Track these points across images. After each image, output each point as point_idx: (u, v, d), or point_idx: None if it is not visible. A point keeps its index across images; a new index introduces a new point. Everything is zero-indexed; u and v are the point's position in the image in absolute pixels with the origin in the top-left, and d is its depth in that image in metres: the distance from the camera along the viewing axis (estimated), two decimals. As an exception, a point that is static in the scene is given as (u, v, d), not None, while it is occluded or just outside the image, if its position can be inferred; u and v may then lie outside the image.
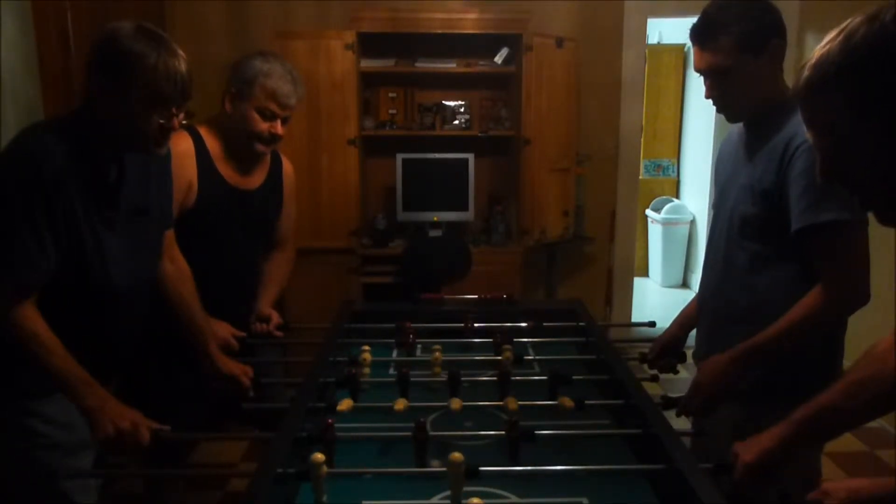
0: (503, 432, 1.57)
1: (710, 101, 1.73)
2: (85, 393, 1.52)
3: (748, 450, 1.33)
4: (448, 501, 1.31)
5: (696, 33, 1.67)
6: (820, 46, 1.01)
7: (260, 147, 2.10)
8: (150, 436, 1.53)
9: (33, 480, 1.57)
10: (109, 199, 1.61)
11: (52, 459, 1.57)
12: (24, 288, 1.49)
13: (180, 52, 1.54)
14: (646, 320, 2.40)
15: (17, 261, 1.47)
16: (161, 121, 1.53)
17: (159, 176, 1.78)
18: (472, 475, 1.28)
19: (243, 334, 2.14)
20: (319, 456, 1.29)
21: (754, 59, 1.62)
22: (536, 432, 1.44)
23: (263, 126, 2.06)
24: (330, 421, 1.43)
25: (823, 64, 0.99)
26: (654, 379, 2.01)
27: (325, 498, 1.30)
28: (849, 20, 0.99)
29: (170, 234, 1.89)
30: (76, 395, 1.52)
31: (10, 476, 1.57)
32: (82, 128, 1.55)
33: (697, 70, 1.70)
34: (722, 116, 1.78)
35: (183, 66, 1.53)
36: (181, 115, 1.57)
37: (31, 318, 1.50)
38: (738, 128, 1.80)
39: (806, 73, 1.02)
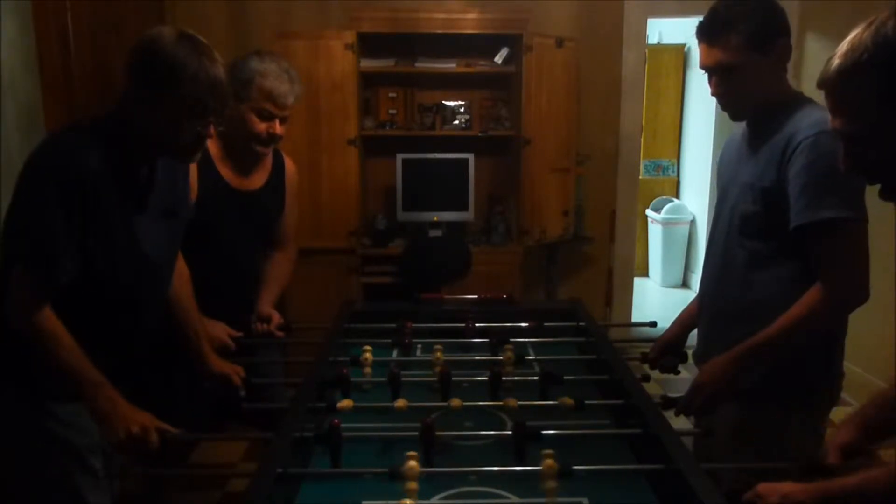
0: (503, 432, 1.58)
1: (714, 99, 1.72)
2: (96, 395, 1.52)
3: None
4: (448, 502, 1.31)
5: (705, 30, 1.66)
6: (849, 39, 1.05)
7: (259, 148, 2.10)
8: (159, 439, 1.53)
9: (48, 480, 1.57)
10: (139, 201, 1.61)
11: (66, 460, 1.58)
12: (49, 288, 1.48)
13: (219, 58, 1.53)
14: (645, 320, 2.40)
15: (44, 262, 1.47)
16: (198, 128, 1.53)
17: (184, 177, 1.78)
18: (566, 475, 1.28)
19: (240, 334, 2.13)
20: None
21: (763, 58, 1.62)
22: (543, 432, 1.44)
23: (262, 127, 2.06)
24: (336, 422, 1.43)
25: (855, 51, 1.03)
26: (645, 379, 2.01)
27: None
28: (875, 16, 1.03)
29: None
30: (87, 397, 1.52)
31: (26, 476, 1.58)
32: (115, 130, 1.54)
33: (704, 67, 1.69)
34: (722, 116, 1.78)
35: (223, 74, 1.52)
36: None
37: (50, 316, 1.49)
38: (741, 127, 1.80)
39: (836, 60, 1.05)
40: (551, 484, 1.27)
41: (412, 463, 1.28)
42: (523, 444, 1.40)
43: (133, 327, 1.68)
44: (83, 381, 1.51)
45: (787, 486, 1.18)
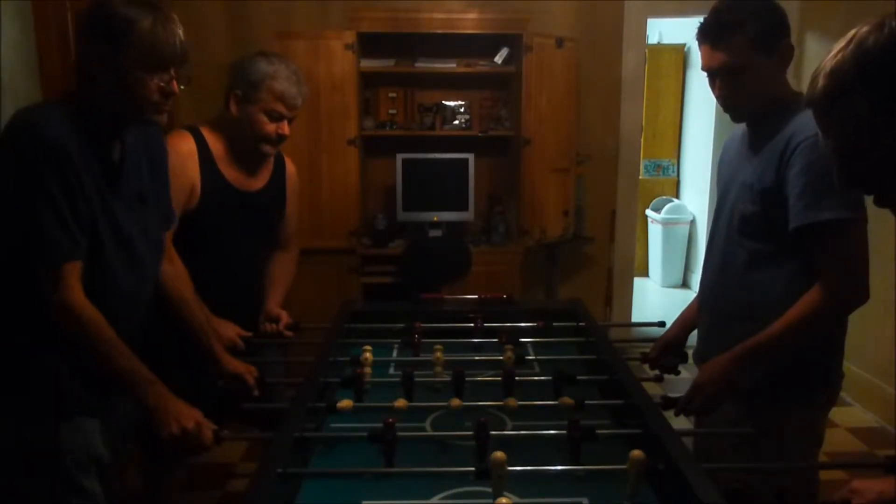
0: (503, 432, 1.58)
1: (714, 99, 1.72)
2: (149, 392, 1.51)
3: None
4: (448, 502, 1.31)
5: (708, 31, 1.65)
6: (830, 57, 1.05)
7: (267, 148, 2.11)
8: (212, 436, 1.53)
9: (48, 497, 1.55)
10: (113, 182, 1.56)
11: (67, 476, 1.55)
12: (65, 268, 1.44)
13: (174, 15, 1.51)
14: (645, 320, 2.40)
15: (47, 244, 1.42)
16: (161, 84, 1.50)
17: (156, 168, 1.73)
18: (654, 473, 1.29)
19: (249, 334, 2.14)
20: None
21: (766, 59, 1.62)
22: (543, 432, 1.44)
23: (271, 128, 2.06)
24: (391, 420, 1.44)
25: (839, 72, 1.02)
26: (659, 379, 2.01)
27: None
28: (854, 30, 1.03)
29: (168, 234, 1.86)
30: (140, 394, 1.51)
31: (26, 493, 1.55)
32: (80, 105, 1.50)
33: (707, 69, 1.68)
34: (722, 116, 1.78)
35: (179, 29, 1.50)
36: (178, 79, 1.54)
37: (91, 309, 1.47)
38: (741, 128, 1.80)
39: (821, 82, 1.05)
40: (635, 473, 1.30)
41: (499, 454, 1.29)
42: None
43: (125, 317, 1.62)
44: (133, 377, 1.50)
45: (881, 484, 1.16)
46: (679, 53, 6.39)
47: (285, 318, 2.24)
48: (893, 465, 1.34)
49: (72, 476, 1.55)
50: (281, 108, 2.05)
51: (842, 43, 1.03)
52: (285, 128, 2.09)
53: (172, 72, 1.51)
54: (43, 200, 1.41)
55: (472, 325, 2.20)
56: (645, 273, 6.54)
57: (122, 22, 1.44)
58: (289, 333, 2.22)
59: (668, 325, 2.12)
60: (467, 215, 4.15)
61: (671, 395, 1.72)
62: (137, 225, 1.63)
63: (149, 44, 1.45)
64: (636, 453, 1.30)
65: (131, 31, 1.44)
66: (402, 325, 2.17)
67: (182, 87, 1.56)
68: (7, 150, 1.44)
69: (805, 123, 1.56)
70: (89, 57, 1.48)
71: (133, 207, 1.62)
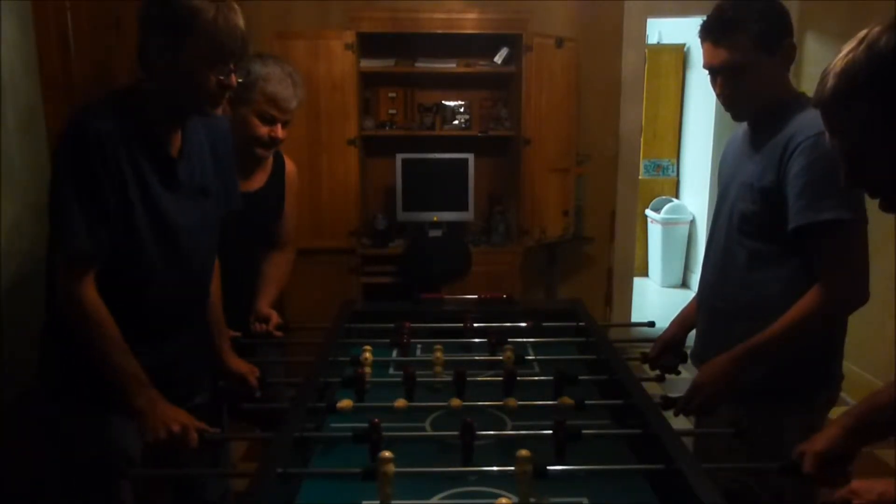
0: (503, 432, 1.58)
1: (714, 99, 1.72)
2: (138, 392, 1.50)
3: (814, 443, 1.32)
4: (448, 502, 1.31)
5: (711, 29, 1.65)
6: (841, 57, 1.04)
7: (260, 151, 2.10)
8: (198, 438, 1.52)
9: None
10: (169, 175, 1.56)
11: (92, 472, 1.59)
12: (77, 262, 1.46)
13: (235, 5, 1.50)
14: (645, 320, 2.40)
15: (67, 235, 1.45)
16: (221, 77, 1.49)
17: (220, 158, 1.73)
18: (541, 475, 1.28)
19: (236, 334, 2.13)
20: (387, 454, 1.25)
21: (770, 58, 1.62)
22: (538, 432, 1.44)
23: (264, 130, 2.06)
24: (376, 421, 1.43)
25: (850, 72, 1.02)
26: (661, 379, 2.01)
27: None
28: (865, 31, 1.02)
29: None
30: (128, 394, 1.50)
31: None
32: (136, 99, 1.51)
33: (708, 67, 1.68)
34: (722, 116, 1.79)
35: (241, 21, 1.50)
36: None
37: (97, 303, 1.47)
38: (742, 127, 1.80)
39: (831, 82, 1.04)
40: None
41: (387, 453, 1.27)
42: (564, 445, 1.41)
43: (152, 306, 1.61)
44: (126, 376, 1.49)
45: (882, 484, 1.17)
46: (679, 53, 6.39)
47: (275, 318, 2.23)
48: (784, 469, 1.36)
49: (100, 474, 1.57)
50: (273, 111, 2.04)
51: (853, 43, 1.02)
52: (278, 131, 2.08)
53: (231, 65, 1.50)
54: (71, 193, 1.44)
55: (462, 325, 2.19)
56: (645, 273, 6.54)
57: (185, 12, 1.43)
58: (278, 334, 2.22)
59: (659, 325, 2.12)
60: (467, 215, 4.15)
61: (671, 395, 1.72)
62: (194, 217, 1.64)
63: (210, 36, 1.45)
64: (523, 453, 1.26)
65: (194, 23, 1.43)
66: (392, 324, 2.16)
67: (240, 80, 1.55)
68: (59, 145, 1.50)
69: (806, 123, 1.57)
70: (150, 49, 1.48)
71: (192, 199, 1.63)
